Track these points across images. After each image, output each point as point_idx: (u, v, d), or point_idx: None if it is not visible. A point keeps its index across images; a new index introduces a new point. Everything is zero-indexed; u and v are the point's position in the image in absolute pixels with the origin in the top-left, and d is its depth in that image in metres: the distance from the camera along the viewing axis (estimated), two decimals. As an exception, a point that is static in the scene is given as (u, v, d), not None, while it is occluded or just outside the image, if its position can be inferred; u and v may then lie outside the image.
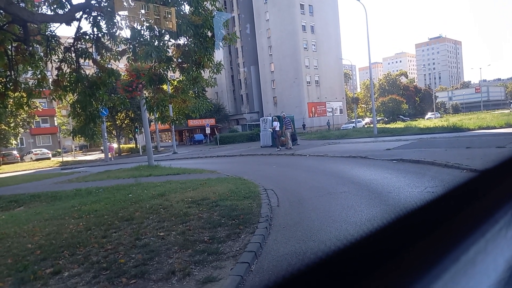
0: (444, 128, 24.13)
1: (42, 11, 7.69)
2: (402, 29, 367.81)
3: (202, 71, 8.14)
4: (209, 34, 7.10)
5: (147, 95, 9.96)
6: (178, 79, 9.13)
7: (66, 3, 7.20)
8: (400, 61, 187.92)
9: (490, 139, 14.55)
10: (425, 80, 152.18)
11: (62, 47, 8.29)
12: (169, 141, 46.24)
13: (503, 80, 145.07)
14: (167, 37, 7.10)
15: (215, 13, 7.21)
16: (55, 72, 8.29)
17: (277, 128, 20.90)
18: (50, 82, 8.65)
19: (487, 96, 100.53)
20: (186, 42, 7.39)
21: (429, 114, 57.08)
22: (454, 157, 9.92)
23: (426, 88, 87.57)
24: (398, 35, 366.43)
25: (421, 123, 35.90)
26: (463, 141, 14.84)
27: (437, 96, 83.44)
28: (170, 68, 7.82)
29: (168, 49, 7.48)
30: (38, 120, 49.30)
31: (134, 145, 43.67)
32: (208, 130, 36.32)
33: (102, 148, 37.83)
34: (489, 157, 9.33)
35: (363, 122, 52.64)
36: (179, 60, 7.76)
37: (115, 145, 39.11)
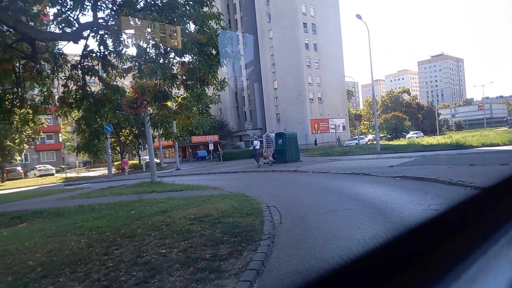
0: (447, 145, 24.08)
1: (50, 30, 7.86)
2: (404, 46, 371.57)
3: (206, 88, 8.23)
4: (214, 52, 7.21)
5: (151, 111, 10.04)
6: (182, 96, 9.22)
7: (74, 22, 7.36)
8: (403, 79, 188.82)
9: (494, 157, 14.49)
10: (427, 97, 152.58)
11: (69, 65, 8.43)
12: (173, 157, 46.30)
13: (505, 97, 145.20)
14: (172, 54, 7.22)
15: (219, 31, 7.33)
16: (62, 89, 8.41)
17: (257, 147, 22.90)
18: (56, 99, 8.76)
19: (490, 113, 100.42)
20: (191, 60, 7.50)
21: (411, 133, 55.91)
22: (457, 174, 9.86)
23: (429, 105, 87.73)
24: (400, 53, 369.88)
25: (403, 141, 35.83)
26: (467, 159, 14.77)
27: (440, 113, 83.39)
28: (175, 85, 7.92)
29: (173, 67, 7.60)
30: (43, 136, 49.53)
31: (137, 161, 43.74)
32: (211, 147, 36.43)
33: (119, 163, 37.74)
34: (493, 174, 9.24)
35: (366, 139, 52.54)
36: (184, 77, 7.87)
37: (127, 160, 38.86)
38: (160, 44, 6.67)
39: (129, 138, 41.77)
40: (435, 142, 28.24)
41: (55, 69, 8.14)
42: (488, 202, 0.97)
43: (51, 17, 7.64)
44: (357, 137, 51.07)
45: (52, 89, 8.68)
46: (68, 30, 7.40)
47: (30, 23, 7.53)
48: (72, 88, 8.36)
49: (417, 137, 50.31)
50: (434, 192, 8.26)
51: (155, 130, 9.15)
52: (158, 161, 37.62)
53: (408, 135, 54.24)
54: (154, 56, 6.94)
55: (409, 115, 72.58)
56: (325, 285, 0.50)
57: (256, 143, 23.12)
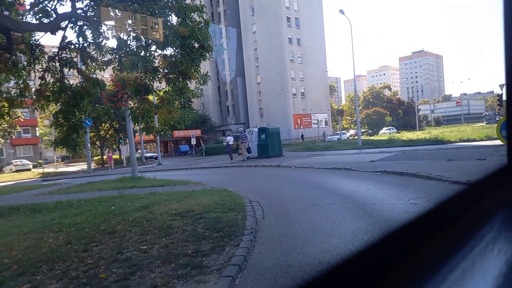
0: (426, 141, 24.61)
1: (26, 20, 7.59)
2: (386, 42, 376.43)
3: (188, 82, 8.12)
4: (196, 45, 7.11)
5: (132, 105, 9.86)
6: (164, 90, 9.08)
7: (52, 12, 7.13)
8: (384, 74, 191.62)
9: (471, 152, 14.88)
10: (408, 93, 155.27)
11: (46, 56, 8.17)
12: (154, 152, 45.79)
13: (483, 93, 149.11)
14: (153, 47, 7.08)
15: (202, 24, 7.23)
16: (38, 82, 8.15)
17: (230, 142, 23.28)
18: (33, 92, 8.50)
19: (467, 109, 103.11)
20: (173, 53, 7.38)
21: (383, 129, 56.90)
22: (436, 169, 10.09)
23: (409, 101, 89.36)
24: (382, 49, 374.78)
25: (384, 137, 36.44)
26: (445, 154, 15.13)
27: (420, 109, 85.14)
28: (156, 79, 7.78)
29: (155, 60, 7.46)
30: (19, 130, 48.22)
31: (118, 156, 43.06)
32: (193, 141, 36.16)
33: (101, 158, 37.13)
34: (470, 169, 9.52)
35: (348, 134, 53.21)
36: (166, 71, 7.74)
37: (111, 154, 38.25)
38: (141, 37, 6.53)
39: (110, 133, 41.07)
40: (414, 138, 28.81)
41: (32, 60, 7.88)
42: (472, 199, 0.98)
43: (28, 7, 7.38)
44: (339, 132, 51.65)
45: (28, 81, 8.39)
46: (45, 20, 7.17)
47: (5, 12, 7.25)
48: (49, 80, 8.12)
49: (389, 133, 50.98)
50: (413, 186, 8.42)
51: (136, 124, 8.99)
52: (139, 155, 37.15)
53: (381, 131, 54.89)
54: (135, 49, 6.79)
55: (390, 110, 73.81)
56: None
57: (230, 139, 23.46)
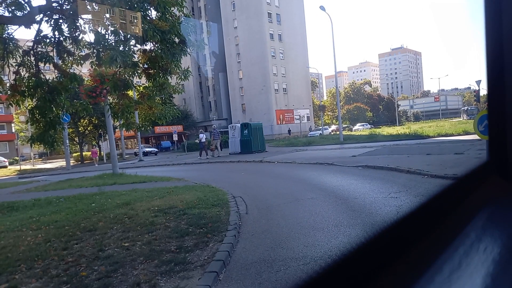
0: (406, 136, 25.08)
1: (-2, 13, 7.32)
2: (366, 39, 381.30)
3: (169, 77, 8.02)
4: (177, 40, 7.02)
5: (111, 101, 9.67)
6: (144, 85, 8.94)
7: (25, 5, 6.90)
8: (364, 70, 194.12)
9: (449, 146, 15.25)
10: (388, 89, 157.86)
11: (20, 51, 7.90)
12: (135, 148, 45.16)
13: (460, 89, 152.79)
14: (133, 42, 6.96)
15: (182, 19, 7.14)
16: (13, 77, 7.88)
17: (203, 140, 23.64)
18: (8, 87, 8.23)
19: (445, 105, 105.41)
20: (152, 48, 7.26)
21: (357, 125, 57.65)
22: (415, 163, 10.30)
23: (389, 96, 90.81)
24: (362, 45, 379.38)
25: (357, 133, 37.17)
26: (424, 148, 15.47)
27: (399, 105, 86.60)
28: (136, 74, 7.65)
29: (134, 54, 7.32)
30: (-6, 126, 46.70)
31: (98, 152, 42.23)
32: (175, 137, 35.79)
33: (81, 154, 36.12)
34: (449, 163, 9.76)
35: (330, 129, 53.76)
36: (146, 66, 7.62)
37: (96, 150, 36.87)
38: (120, 31, 6.40)
39: (89, 129, 40.28)
40: (395, 133, 29.32)
41: (5, 55, 7.60)
42: (455, 197, 0.98)
43: (0, -1, 7.11)
44: (321, 127, 52.10)
45: (2, 76, 8.12)
46: (19, 13, 6.93)
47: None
48: (24, 75, 7.87)
49: (363, 128, 51.71)
50: (394, 180, 8.58)
51: (116, 120, 8.83)
52: (120, 151, 36.53)
53: (354, 127, 55.47)
54: (113, 43, 6.63)
55: (371, 106, 74.95)
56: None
57: (202, 136, 23.99)
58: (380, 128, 49.89)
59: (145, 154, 37.92)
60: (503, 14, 1.09)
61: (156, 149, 40.27)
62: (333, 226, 5.21)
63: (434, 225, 0.81)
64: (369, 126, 58.03)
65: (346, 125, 58.59)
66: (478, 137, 6.68)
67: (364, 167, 11.14)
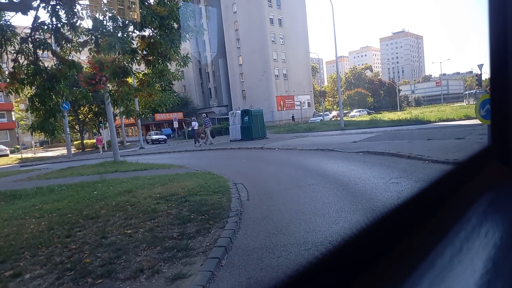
0: (407, 121, 25.01)
1: (-6, -1, 7.23)
2: (367, 23, 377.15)
3: (168, 64, 7.96)
4: (175, 25, 6.94)
5: (111, 88, 9.62)
6: (143, 72, 8.88)
7: (22, -9, 6.80)
8: (365, 55, 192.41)
9: (450, 131, 15.22)
10: (389, 74, 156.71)
11: (18, 38, 7.82)
12: (136, 135, 45.17)
13: (462, 74, 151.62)
14: (131, 28, 6.88)
15: (181, 4, 7.04)
16: (11, 64, 7.83)
17: (195, 127, 24.60)
18: (6, 75, 8.18)
19: (447, 90, 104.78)
20: (151, 34, 7.19)
21: (353, 112, 56.54)
22: (416, 148, 10.29)
23: (390, 81, 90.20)
24: (363, 29, 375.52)
25: (358, 118, 36.94)
26: (425, 133, 15.44)
27: (401, 90, 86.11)
28: (135, 61, 7.59)
29: (133, 41, 7.26)
30: (-6, 115, 46.67)
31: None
32: (176, 124, 35.77)
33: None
34: (450, 148, 9.76)
35: (331, 115, 53.58)
36: (144, 52, 7.55)
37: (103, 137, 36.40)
38: (118, 17, 6.33)
39: (89, 116, 40.23)
40: (396, 118, 29.23)
41: (3, 42, 7.53)
42: (457, 182, 0.97)
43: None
44: (321, 113, 51.93)
45: (0, 64, 8.06)
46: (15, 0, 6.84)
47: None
48: (23, 63, 7.81)
49: (360, 115, 50.89)
50: (394, 166, 8.58)
51: (116, 107, 8.80)
52: (120, 139, 36.57)
53: (351, 114, 54.77)
54: (111, 30, 6.57)
55: (372, 91, 74.54)
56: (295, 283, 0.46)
57: (194, 124, 24.84)
58: (381, 113, 49.69)
59: (154, 142, 37.63)
60: None
61: (165, 136, 39.62)
62: (334, 212, 5.24)
63: (435, 210, 0.81)
64: (365, 112, 56.93)
65: (347, 111, 58.33)
66: (480, 122, 6.64)
67: (365, 152, 11.14)
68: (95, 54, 7.95)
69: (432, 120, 23.81)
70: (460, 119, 22.66)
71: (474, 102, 52.05)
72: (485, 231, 0.75)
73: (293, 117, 50.44)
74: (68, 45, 7.85)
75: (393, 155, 9.98)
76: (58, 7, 6.93)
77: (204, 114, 26.36)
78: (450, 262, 0.62)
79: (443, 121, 22.93)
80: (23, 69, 7.71)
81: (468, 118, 21.90)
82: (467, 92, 72.47)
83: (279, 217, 5.39)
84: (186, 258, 3.95)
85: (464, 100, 64.31)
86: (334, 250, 0.52)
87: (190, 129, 27.50)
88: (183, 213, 5.70)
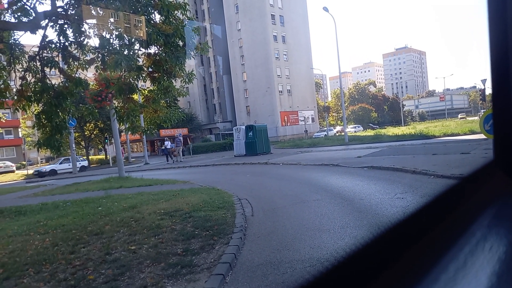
0: (411, 136, 24.96)
1: (4, 19, 7.40)
2: (370, 39, 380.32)
3: (173, 81, 8.05)
4: (180, 43, 7.05)
5: (117, 105, 9.72)
6: (149, 89, 8.98)
7: (31, 10, 6.98)
8: (369, 71, 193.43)
9: (455, 146, 15.15)
10: (392, 89, 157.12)
11: (26, 56, 7.98)
12: (141, 151, 45.31)
13: (465, 88, 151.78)
14: (137, 45, 6.99)
15: (186, 22, 7.17)
16: (19, 82, 7.96)
17: (168, 146, 27.90)
18: (14, 92, 8.31)
19: (451, 104, 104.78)
20: (157, 51, 7.30)
21: (349, 128, 56.87)
22: (421, 163, 10.24)
23: (394, 96, 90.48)
24: (366, 45, 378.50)
25: (369, 133, 36.92)
26: (430, 148, 15.37)
27: (404, 105, 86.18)
28: (141, 78, 7.69)
29: (139, 58, 7.37)
30: (1, 131, 47.21)
31: (104, 156, 42.53)
32: (168, 145, 35.79)
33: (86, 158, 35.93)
34: (455, 163, 9.69)
35: (335, 130, 53.53)
36: (150, 69, 7.66)
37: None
38: (124, 35, 6.44)
39: (95, 132, 40.55)
40: (400, 133, 29.17)
41: (12, 60, 7.68)
42: (461, 196, 0.97)
43: (6, 5, 7.20)
44: (325, 128, 51.93)
45: (9, 81, 8.20)
46: (25, 19, 7.00)
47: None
48: (30, 80, 7.94)
49: (355, 131, 51.32)
50: (399, 181, 8.53)
51: (122, 123, 8.87)
52: (126, 155, 36.63)
53: (347, 130, 54.81)
54: (118, 47, 6.68)
55: (375, 106, 74.65)
56: None
57: (167, 143, 28.25)
58: (385, 128, 49.62)
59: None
60: (507, 12, 1.09)
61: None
62: (339, 228, 5.20)
63: (439, 224, 0.81)
64: (361, 128, 56.94)
65: (351, 126, 58.28)
66: (485, 137, 6.62)
67: (370, 167, 11.09)
68: (101, 72, 8.09)
69: (437, 135, 23.74)
70: (465, 134, 22.57)
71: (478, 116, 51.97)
72: (490, 245, 0.74)
73: (306, 131, 50.61)
74: (75, 63, 7.99)
75: (398, 170, 9.93)
76: (66, 26, 7.09)
77: (177, 133, 28.76)
78: (455, 276, 0.62)
79: (448, 135, 22.84)
80: (30, 86, 7.83)
81: (473, 132, 21.80)
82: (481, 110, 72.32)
83: (284, 232, 5.35)
84: (190, 274, 3.92)
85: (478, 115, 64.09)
86: (338, 264, 0.52)
87: (163, 148, 30.09)
88: (188, 229, 5.68)
